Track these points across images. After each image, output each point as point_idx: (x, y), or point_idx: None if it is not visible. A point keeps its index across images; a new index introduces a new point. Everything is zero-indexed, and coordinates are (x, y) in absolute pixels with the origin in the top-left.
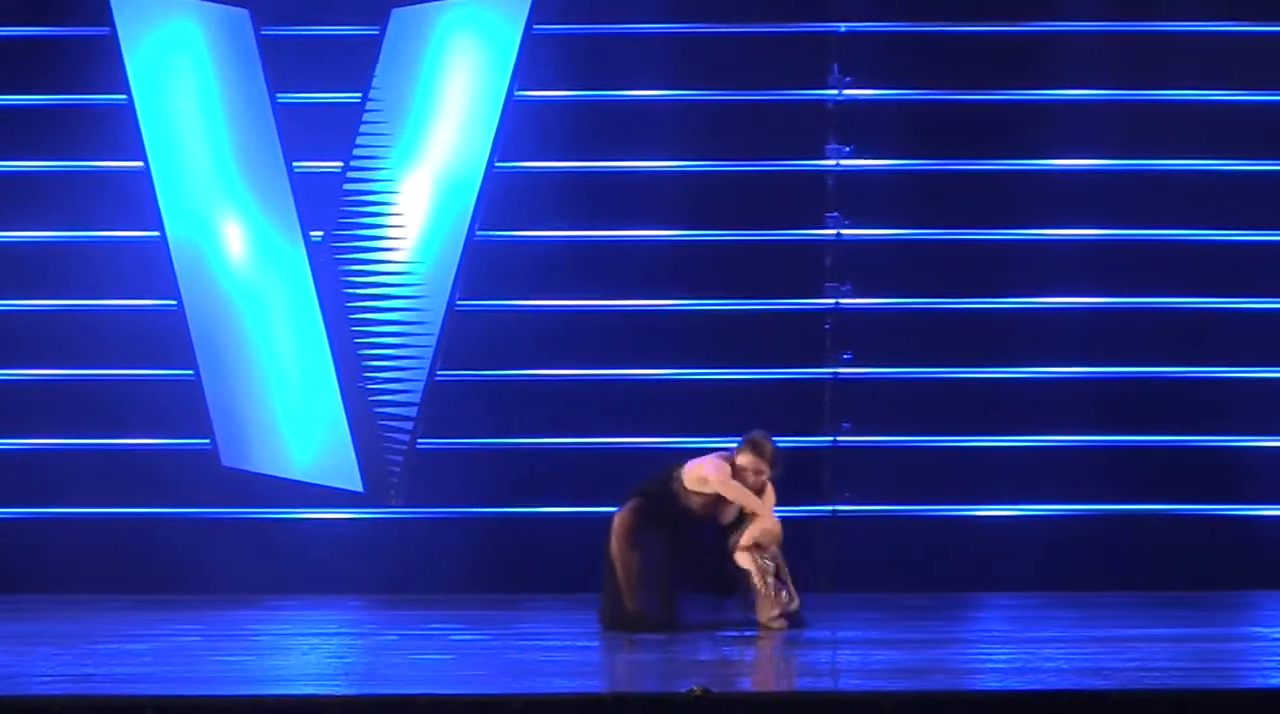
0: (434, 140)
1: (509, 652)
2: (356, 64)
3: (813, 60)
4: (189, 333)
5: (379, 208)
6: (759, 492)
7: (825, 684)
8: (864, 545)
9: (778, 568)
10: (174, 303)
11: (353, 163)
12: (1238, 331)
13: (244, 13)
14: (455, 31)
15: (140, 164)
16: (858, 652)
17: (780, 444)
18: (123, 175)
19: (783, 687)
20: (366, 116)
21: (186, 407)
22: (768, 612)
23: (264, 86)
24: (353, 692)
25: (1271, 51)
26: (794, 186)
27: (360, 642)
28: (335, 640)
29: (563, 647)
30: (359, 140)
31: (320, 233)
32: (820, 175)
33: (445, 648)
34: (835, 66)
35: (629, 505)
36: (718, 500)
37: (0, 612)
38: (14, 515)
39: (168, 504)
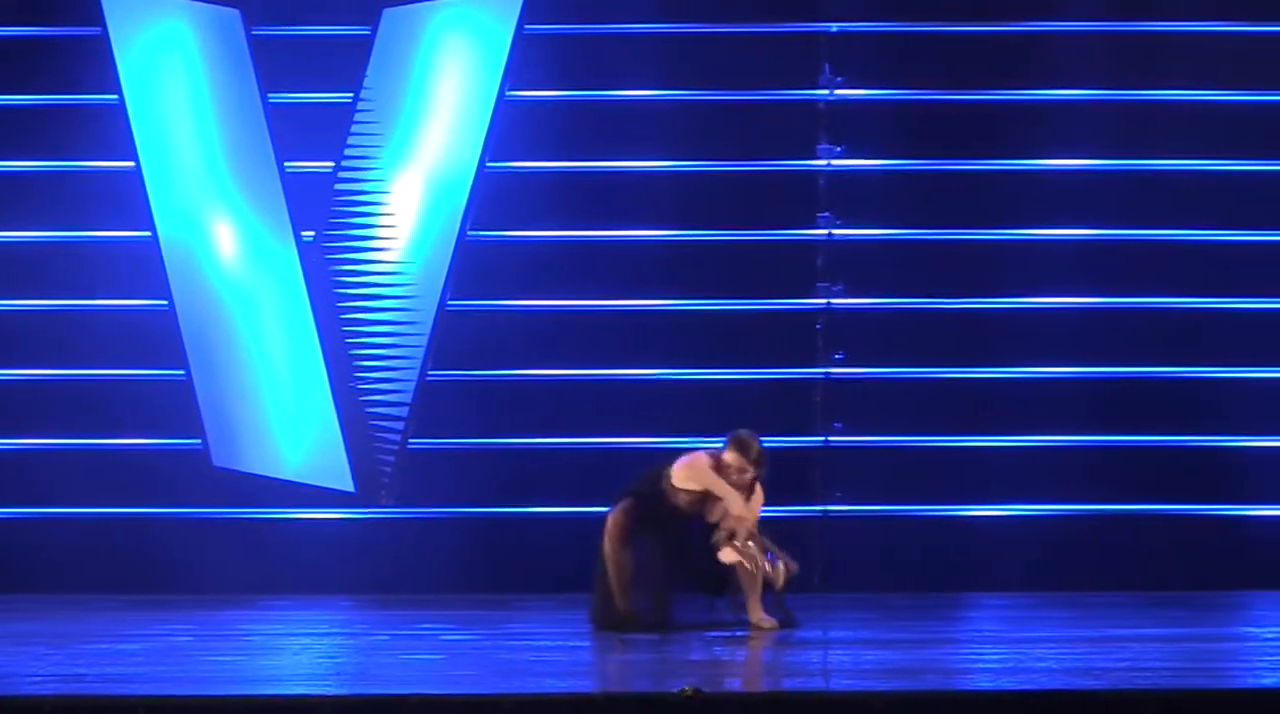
0: (425, 140)
1: (500, 652)
2: (348, 64)
3: (804, 60)
4: (180, 333)
5: (370, 208)
6: (744, 490)
7: (816, 684)
8: (855, 545)
9: (763, 546)
10: (165, 303)
11: (344, 163)
12: (1230, 331)
13: (235, 13)
14: (447, 31)
15: (131, 164)
16: (849, 652)
17: (770, 444)
18: (114, 175)
19: (774, 687)
20: (358, 116)
21: (178, 406)
22: (759, 612)
23: (255, 86)
24: (344, 692)
25: (1263, 51)
26: (785, 186)
27: (351, 642)
28: (326, 640)
29: (554, 647)
30: (350, 140)
31: (311, 233)
32: (812, 175)
33: (436, 648)
34: (826, 66)
35: (621, 506)
36: (705, 498)
37: None
38: (4, 515)
39: (159, 504)
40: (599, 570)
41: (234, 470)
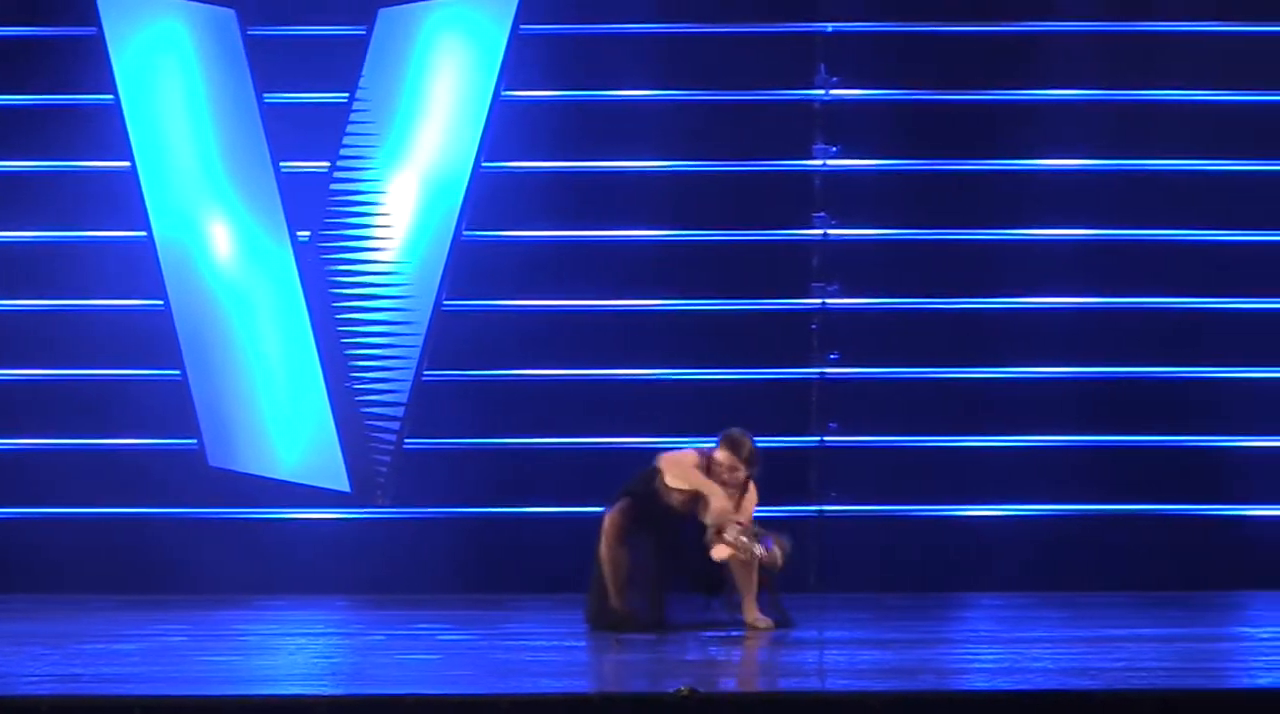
0: (421, 140)
1: (496, 652)
2: (343, 64)
3: (799, 60)
4: (175, 332)
5: (366, 208)
6: (736, 489)
7: (812, 684)
8: (851, 545)
9: (753, 534)
10: (160, 302)
11: (339, 163)
12: (1226, 331)
13: (230, 12)
14: (442, 31)
15: (127, 164)
16: (844, 651)
17: (765, 444)
18: (109, 175)
19: (769, 687)
20: (353, 116)
21: (173, 406)
22: (754, 612)
23: (251, 86)
24: (340, 692)
25: (1258, 51)
26: (781, 186)
27: (347, 642)
28: (322, 640)
29: (550, 646)
30: (346, 140)
31: (307, 233)
32: (807, 175)
33: (432, 648)
34: (822, 66)
35: (618, 506)
36: (697, 497)
37: None
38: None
39: (155, 504)
40: (594, 570)
41: (229, 470)
